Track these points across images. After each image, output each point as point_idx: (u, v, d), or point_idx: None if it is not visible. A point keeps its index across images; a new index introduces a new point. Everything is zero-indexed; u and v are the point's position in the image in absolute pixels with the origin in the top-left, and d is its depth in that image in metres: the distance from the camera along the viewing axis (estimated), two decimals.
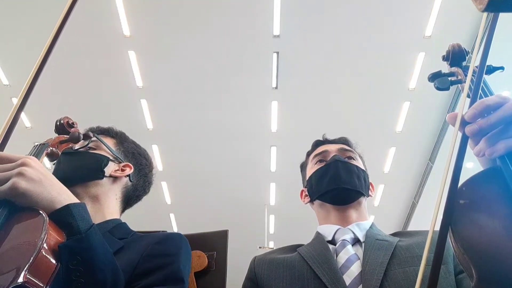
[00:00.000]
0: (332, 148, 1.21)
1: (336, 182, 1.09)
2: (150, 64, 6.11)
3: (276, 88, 6.44)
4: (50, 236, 0.64)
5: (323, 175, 1.13)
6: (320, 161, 1.19)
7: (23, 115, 6.70)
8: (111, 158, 1.07)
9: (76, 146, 1.06)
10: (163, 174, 7.81)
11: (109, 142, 1.11)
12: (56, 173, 1.02)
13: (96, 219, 0.98)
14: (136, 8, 5.43)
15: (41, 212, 0.67)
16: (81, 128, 1.13)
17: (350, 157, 1.19)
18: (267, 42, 5.79)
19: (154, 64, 6.11)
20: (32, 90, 0.69)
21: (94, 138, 1.08)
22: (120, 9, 5.39)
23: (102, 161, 1.04)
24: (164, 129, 7.15)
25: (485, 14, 0.61)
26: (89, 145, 1.07)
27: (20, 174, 0.69)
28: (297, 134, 6.68)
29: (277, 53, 5.94)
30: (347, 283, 0.89)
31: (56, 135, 1.06)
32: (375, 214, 8.48)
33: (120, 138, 1.16)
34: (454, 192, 0.55)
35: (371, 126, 6.87)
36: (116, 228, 0.99)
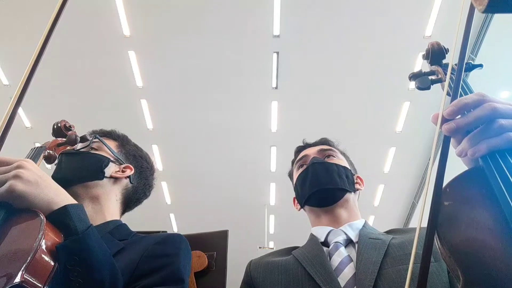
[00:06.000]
0: (311, 151, 1.21)
1: (316, 184, 1.10)
2: (150, 64, 6.11)
3: (276, 88, 6.44)
4: (48, 237, 0.65)
5: (304, 179, 1.14)
6: (301, 166, 1.19)
7: (23, 116, 6.71)
8: (112, 159, 1.07)
9: (78, 147, 1.07)
10: (163, 174, 7.81)
11: (111, 144, 1.12)
12: (57, 173, 1.02)
13: (97, 220, 0.98)
14: (136, 8, 5.44)
15: (38, 213, 0.68)
16: (81, 129, 1.13)
17: (330, 155, 1.19)
18: (267, 42, 5.79)
19: (154, 64, 6.12)
20: (28, 86, 0.69)
21: (96, 140, 1.08)
22: (120, 9, 5.39)
23: (103, 162, 1.04)
24: (164, 129, 7.15)
25: (462, 11, 0.61)
26: (90, 146, 1.07)
27: (16, 177, 0.70)
28: (297, 134, 6.65)
29: (277, 53, 5.94)
30: (342, 286, 0.89)
31: (54, 138, 1.06)
32: (375, 214, 8.48)
33: (122, 140, 1.16)
34: (439, 192, 0.55)
35: (371, 126, 6.87)
36: (117, 229, 0.99)
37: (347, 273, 0.92)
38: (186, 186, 8.31)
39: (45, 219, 0.67)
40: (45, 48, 0.72)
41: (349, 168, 1.18)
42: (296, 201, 1.23)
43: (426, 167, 7.67)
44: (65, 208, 0.72)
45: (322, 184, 1.09)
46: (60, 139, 1.06)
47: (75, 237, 0.68)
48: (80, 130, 1.13)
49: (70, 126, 1.09)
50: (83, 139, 1.08)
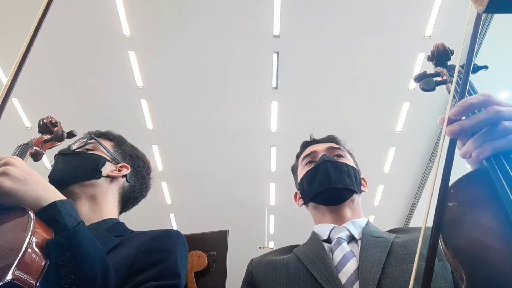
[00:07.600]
0: (320, 148, 1.19)
1: (326, 183, 1.09)
2: (150, 64, 6.11)
3: (276, 88, 6.44)
4: (37, 234, 0.64)
5: (313, 176, 1.12)
6: (310, 162, 1.18)
7: (23, 116, 6.70)
8: (108, 158, 1.07)
9: (74, 147, 1.07)
10: (163, 174, 7.81)
11: (107, 144, 1.12)
12: (53, 173, 1.02)
13: (94, 219, 0.99)
14: (136, 8, 5.44)
15: (27, 210, 0.68)
16: (81, 129, 1.14)
17: (339, 155, 1.18)
18: (267, 42, 5.79)
19: (154, 64, 6.12)
20: (18, 76, 0.69)
21: (91, 140, 1.08)
22: (120, 9, 5.39)
23: (99, 161, 1.04)
24: (164, 129, 7.15)
25: (469, 14, 0.61)
26: (86, 146, 1.07)
27: (3, 174, 0.70)
28: (297, 134, 6.64)
29: (277, 53, 5.94)
30: (343, 281, 0.88)
31: (40, 134, 1.06)
32: (375, 214, 8.48)
33: (118, 141, 1.16)
34: (445, 192, 0.55)
35: (371, 126, 6.87)
36: (114, 226, 0.99)
37: (350, 267, 0.91)
38: (186, 186, 8.31)
39: (34, 216, 0.66)
40: (36, 37, 0.71)
41: (357, 169, 1.18)
42: (298, 196, 1.22)
43: (426, 167, 7.67)
44: (54, 204, 0.71)
45: (332, 183, 1.08)
46: (46, 135, 1.06)
47: (65, 233, 0.68)
48: (80, 130, 1.13)
49: (56, 122, 1.09)
50: (70, 134, 1.08)
